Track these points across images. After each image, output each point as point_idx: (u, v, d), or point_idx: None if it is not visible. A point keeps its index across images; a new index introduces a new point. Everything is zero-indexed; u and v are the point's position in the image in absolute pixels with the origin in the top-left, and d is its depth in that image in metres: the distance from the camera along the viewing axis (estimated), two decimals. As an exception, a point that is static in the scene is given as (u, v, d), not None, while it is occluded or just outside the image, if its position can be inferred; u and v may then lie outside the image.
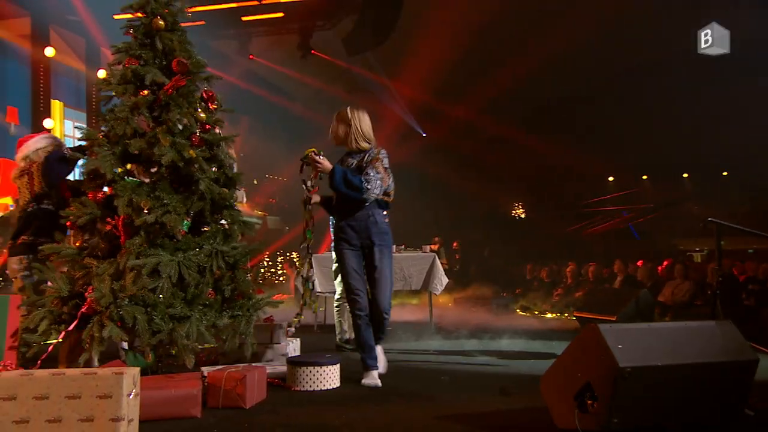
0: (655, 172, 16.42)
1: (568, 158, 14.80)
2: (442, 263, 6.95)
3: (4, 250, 5.69)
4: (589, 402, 2.58)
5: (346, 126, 3.75)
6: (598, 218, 16.78)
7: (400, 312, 8.76)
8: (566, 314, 8.55)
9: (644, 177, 17.23)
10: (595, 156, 14.42)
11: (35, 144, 3.90)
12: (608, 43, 11.55)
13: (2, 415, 2.43)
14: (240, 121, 15.59)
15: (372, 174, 3.59)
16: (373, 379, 3.72)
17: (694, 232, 13.13)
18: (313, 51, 12.43)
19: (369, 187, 3.56)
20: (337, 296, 5.41)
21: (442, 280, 6.45)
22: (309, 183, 3.78)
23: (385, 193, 3.73)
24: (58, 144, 3.97)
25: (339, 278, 5.35)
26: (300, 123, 15.37)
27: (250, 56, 12.85)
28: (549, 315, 8.89)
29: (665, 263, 8.71)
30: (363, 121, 3.77)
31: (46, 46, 11.26)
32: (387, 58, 12.89)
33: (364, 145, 3.75)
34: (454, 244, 14.20)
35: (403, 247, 7.06)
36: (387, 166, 3.70)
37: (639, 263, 8.99)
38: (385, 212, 3.77)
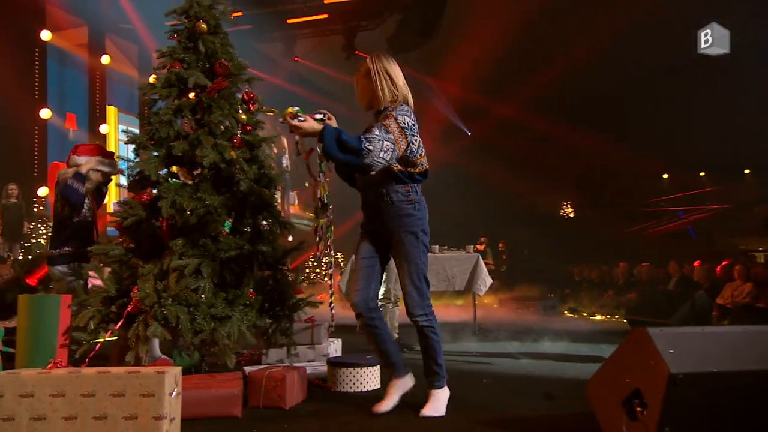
0: (713, 169, 15.69)
1: (619, 155, 14.33)
2: (487, 264, 6.86)
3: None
4: (638, 409, 2.46)
5: (367, 81, 2.92)
6: (665, 218, 16.09)
7: (443, 313, 8.65)
8: (617, 316, 8.28)
9: (701, 174, 16.50)
10: (647, 153, 13.91)
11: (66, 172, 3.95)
12: (660, 35, 11.13)
13: (52, 411, 2.51)
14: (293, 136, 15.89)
15: (377, 133, 2.69)
16: (392, 399, 3.04)
17: (756, 231, 12.48)
18: (357, 51, 12.49)
19: (371, 147, 2.64)
20: (379, 296, 5.39)
21: (486, 280, 6.36)
22: (299, 146, 2.96)
23: (407, 162, 2.85)
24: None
25: (382, 278, 5.33)
26: (344, 124, 15.45)
27: (296, 58, 13.02)
28: (598, 317, 8.62)
29: (724, 263, 8.31)
30: (390, 71, 2.90)
31: (102, 54, 11.74)
32: (431, 56, 12.83)
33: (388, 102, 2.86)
34: (500, 244, 13.99)
35: (446, 247, 7.00)
36: (406, 125, 2.78)
37: (696, 264, 8.60)
38: (407, 187, 2.86)
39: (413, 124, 2.86)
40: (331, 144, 2.70)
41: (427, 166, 2.95)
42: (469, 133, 16.20)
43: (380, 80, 2.87)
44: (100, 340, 3.09)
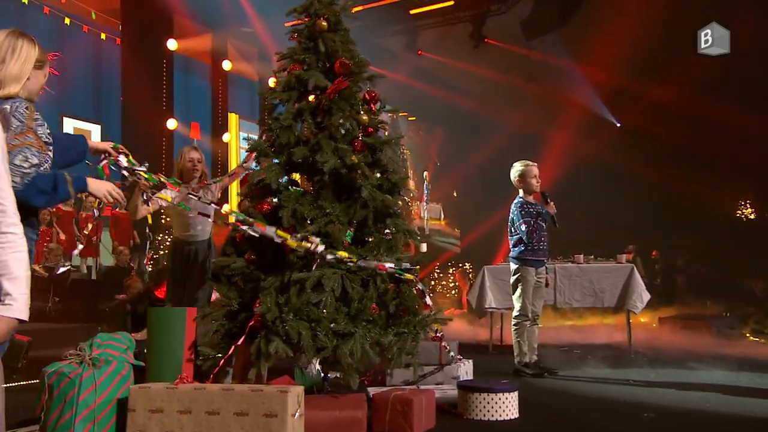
0: None
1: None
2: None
3: None
4: None
5: None
6: None
7: (591, 334, 8.28)
8: (822, 342, 7.37)
9: None
10: None
11: None
12: None
13: (180, 428, 2.70)
14: (434, 131, 16.01)
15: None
16: None
17: None
18: (486, 39, 12.31)
19: None
20: (515, 313, 5.24)
21: (642, 296, 6.01)
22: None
23: None
24: None
25: (517, 293, 5.18)
26: (471, 120, 15.29)
27: (419, 52, 13.12)
28: (795, 342, 7.72)
29: None
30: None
31: (223, 60, 12.67)
32: (571, 38, 12.29)
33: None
34: (653, 253, 13.05)
35: (592, 256, 6.66)
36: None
37: None
38: None
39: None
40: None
41: None
42: (618, 124, 15.31)
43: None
44: (224, 355, 3.29)
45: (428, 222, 12.66)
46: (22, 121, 2.33)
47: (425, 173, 13.31)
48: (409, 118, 15.12)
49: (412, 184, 13.11)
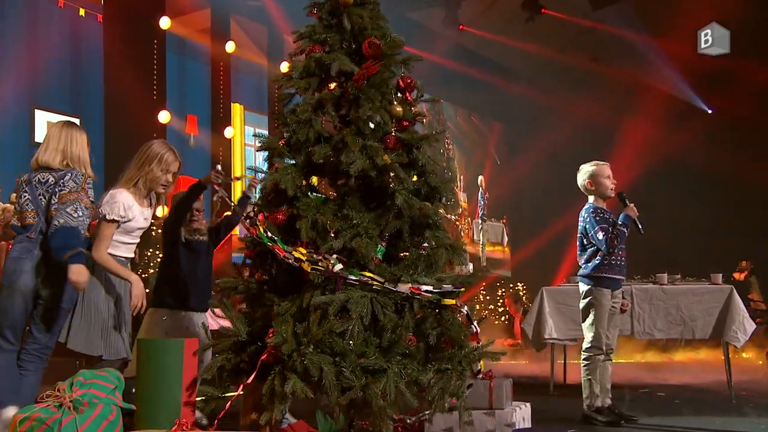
0: None
1: None
2: (754, 300, 6.38)
3: None
4: None
5: None
6: None
7: (679, 372, 8.17)
8: None
9: None
10: None
11: None
12: None
13: (178, 482, 2.75)
14: (493, 127, 15.92)
15: None
16: None
17: None
18: (543, 10, 12.29)
19: None
20: (586, 345, 5.18)
21: (744, 325, 5.94)
22: None
23: None
24: None
25: (589, 321, 5.13)
26: (522, 104, 15.20)
27: (460, 26, 13.15)
28: None
29: None
30: None
31: (226, 41, 12.82)
32: (648, 6, 12.21)
33: None
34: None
35: (678, 276, 6.57)
36: None
37: None
38: None
39: None
40: None
41: None
42: (710, 111, 15.12)
43: None
44: (231, 395, 3.33)
45: (484, 247, 11.62)
46: (77, 182, 3.74)
47: (480, 178, 12.47)
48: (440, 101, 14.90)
49: (462, 196, 12.22)
